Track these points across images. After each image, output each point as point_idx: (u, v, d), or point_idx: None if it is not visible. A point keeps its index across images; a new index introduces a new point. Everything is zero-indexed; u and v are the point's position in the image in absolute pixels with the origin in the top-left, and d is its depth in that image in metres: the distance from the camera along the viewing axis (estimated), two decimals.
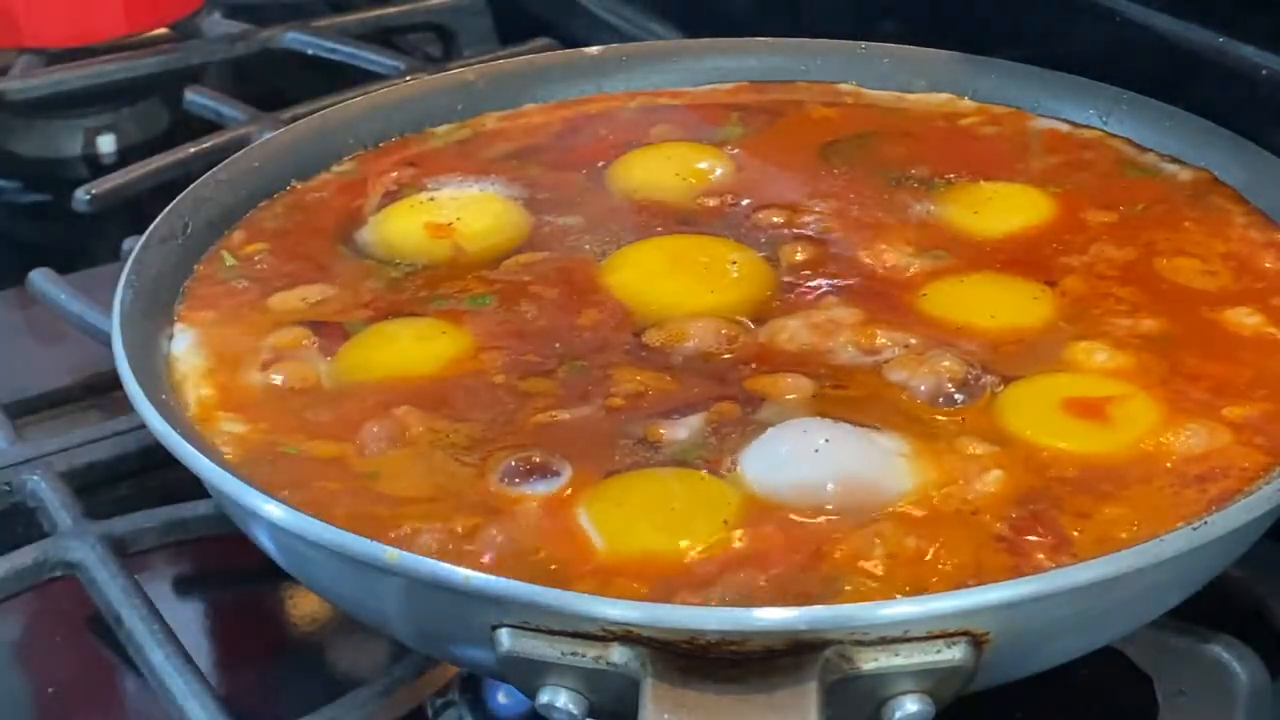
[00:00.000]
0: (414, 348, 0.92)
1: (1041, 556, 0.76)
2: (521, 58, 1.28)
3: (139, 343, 0.89)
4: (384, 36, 1.69)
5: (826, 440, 0.82)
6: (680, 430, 0.84)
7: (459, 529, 0.78)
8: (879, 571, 0.75)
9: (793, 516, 0.78)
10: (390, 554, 0.72)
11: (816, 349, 0.90)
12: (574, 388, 0.87)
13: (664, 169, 1.09)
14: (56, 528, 0.99)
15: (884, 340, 0.90)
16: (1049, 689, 0.81)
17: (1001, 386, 0.86)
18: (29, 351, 1.30)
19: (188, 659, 0.88)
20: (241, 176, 1.07)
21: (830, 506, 0.78)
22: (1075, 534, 0.77)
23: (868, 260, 0.98)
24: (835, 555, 0.76)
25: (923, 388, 0.86)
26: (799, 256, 0.99)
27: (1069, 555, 0.75)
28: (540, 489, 0.80)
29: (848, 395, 0.86)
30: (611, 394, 0.87)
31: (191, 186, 1.04)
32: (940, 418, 0.84)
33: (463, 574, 0.71)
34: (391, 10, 1.72)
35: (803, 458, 0.81)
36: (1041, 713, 0.88)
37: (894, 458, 0.81)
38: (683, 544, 0.76)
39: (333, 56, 1.61)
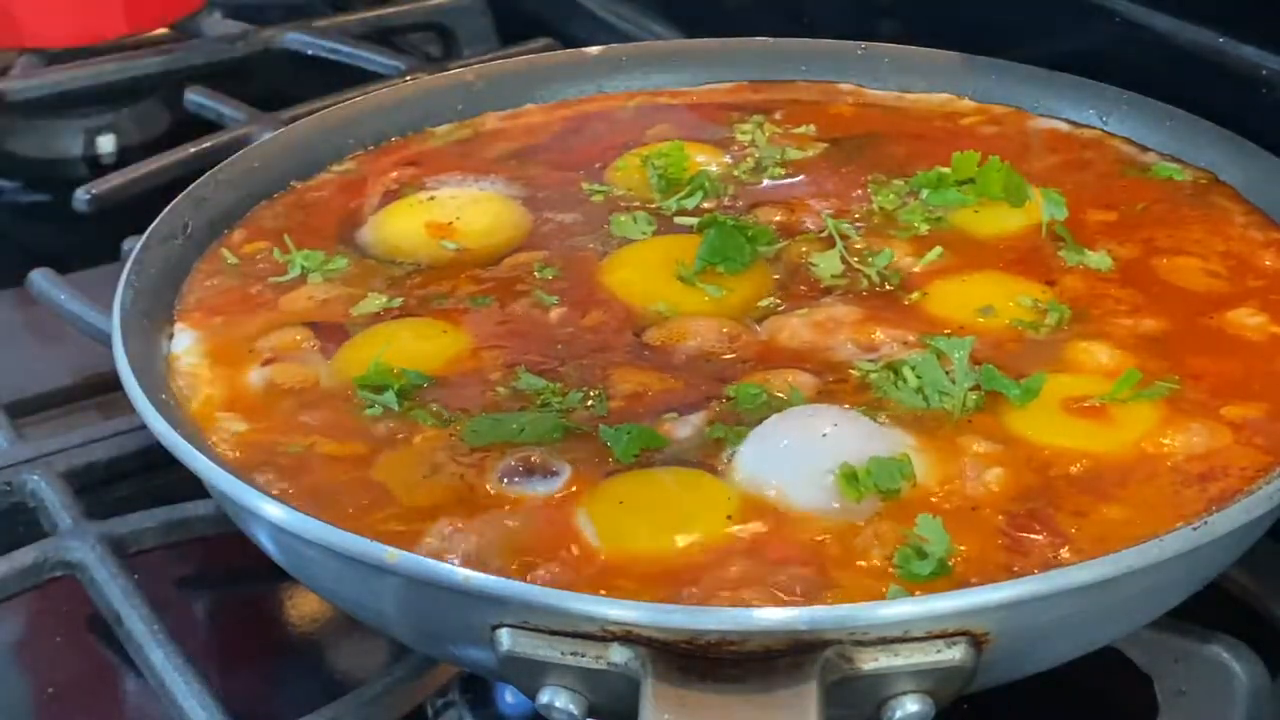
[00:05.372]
0: (414, 347, 0.92)
1: (1039, 554, 0.76)
2: (521, 58, 1.28)
3: (139, 343, 0.89)
4: (384, 36, 1.68)
5: (835, 425, 0.81)
6: (682, 429, 0.84)
7: (459, 528, 0.78)
8: (879, 569, 0.75)
9: (793, 513, 0.78)
10: (390, 554, 0.72)
11: (817, 346, 0.90)
12: (575, 387, 0.88)
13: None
14: (56, 528, 0.99)
15: (882, 337, 0.90)
16: (1049, 689, 0.81)
17: None
18: (29, 351, 1.30)
19: (188, 659, 0.88)
20: (241, 176, 1.07)
21: (834, 497, 0.78)
22: (1072, 531, 0.77)
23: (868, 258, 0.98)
24: (835, 552, 0.76)
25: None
26: (799, 254, 0.99)
27: (1068, 553, 0.75)
28: (540, 489, 0.80)
29: (850, 392, 0.86)
30: (612, 394, 0.87)
31: (191, 186, 1.04)
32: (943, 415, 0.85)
33: (463, 574, 0.71)
34: (391, 10, 1.72)
35: (807, 444, 0.80)
36: (1041, 713, 0.88)
37: (904, 450, 0.81)
38: (682, 544, 0.76)
39: (333, 56, 1.61)
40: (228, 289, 0.98)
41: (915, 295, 0.95)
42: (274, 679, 0.99)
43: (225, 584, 1.05)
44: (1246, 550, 0.81)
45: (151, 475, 1.05)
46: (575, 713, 0.70)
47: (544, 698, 0.70)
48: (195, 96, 1.51)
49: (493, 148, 1.15)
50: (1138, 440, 0.83)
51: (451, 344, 0.92)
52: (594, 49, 1.26)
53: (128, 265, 0.95)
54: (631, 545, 0.77)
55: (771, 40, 1.25)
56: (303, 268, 1.00)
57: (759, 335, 0.92)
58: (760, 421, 0.83)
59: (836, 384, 0.87)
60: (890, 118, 1.18)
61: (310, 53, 1.62)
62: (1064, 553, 0.76)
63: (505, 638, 0.70)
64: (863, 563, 0.75)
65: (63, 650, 0.99)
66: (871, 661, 0.69)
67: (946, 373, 0.86)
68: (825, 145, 1.13)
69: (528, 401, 0.87)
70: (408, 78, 1.44)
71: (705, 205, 1.05)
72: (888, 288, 0.95)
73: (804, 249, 0.99)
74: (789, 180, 1.09)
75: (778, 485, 0.79)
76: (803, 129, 1.15)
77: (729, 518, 0.78)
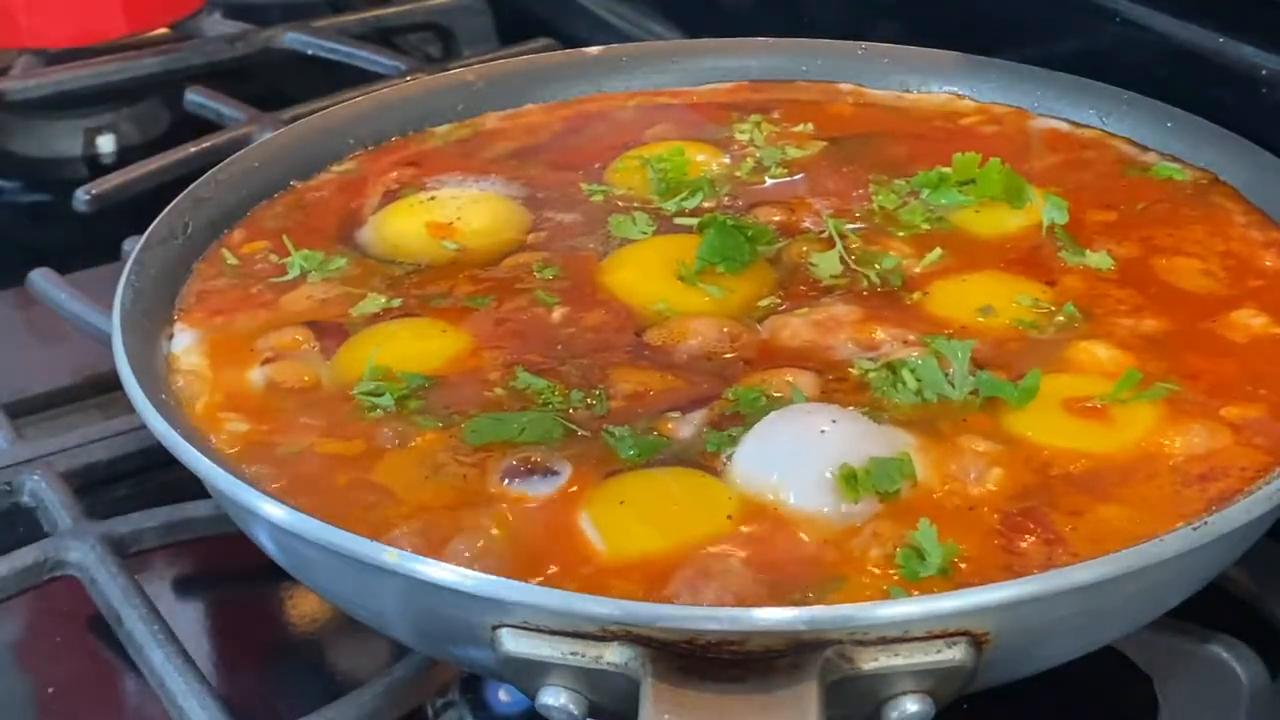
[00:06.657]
0: (414, 347, 0.92)
1: (1036, 554, 0.76)
2: (521, 58, 1.28)
3: (139, 343, 0.89)
4: (384, 36, 1.69)
5: (834, 421, 0.81)
6: (683, 428, 0.84)
7: (459, 528, 0.78)
8: (878, 569, 0.75)
9: (792, 512, 0.78)
10: (390, 554, 0.72)
11: (818, 346, 0.90)
12: (575, 387, 0.88)
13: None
14: (56, 528, 0.99)
15: (883, 336, 0.90)
16: (1049, 689, 0.81)
17: None
18: (29, 351, 1.30)
19: (188, 659, 0.88)
20: (241, 176, 1.07)
21: (832, 496, 0.78)
22: (1068, 531, 0.77)
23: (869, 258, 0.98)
24: (835, 552, 0.76)
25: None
26: (799, 254, 0.99)
27: (1064, 553, 0.75)
28: (540, 489, 0.80)
29: (850, 391, 0.86)
30: (612, 394, 0.87)
31: (191, 186, 1.04)
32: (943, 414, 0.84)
33: (463, 574, 0.71)
34: (391, 10, 1.72)
35: (806, 441, 0.80)
36: (1041, 713, 0.88)
37: (904, 450, 0.81)
38: (682, 544, 0.76)
39: (333, 56, 1.61)
40: (228, 289, 0.98)
41: (916, 295, 0.95)
42: (274, 679, 0.99)
43: (225, 584, 1.05)
44: (1246, 550, 0.81)
45: (151, 475, 1.05)
46: (575, 713, 0.70)
47: (544, 698, 0.70)
48: (195, 96, 1.51)
49: (493, 148, 1.15)
50: (1138, 441, 0.83)
51: (451, 344, 0.92)
52: (594, 49, 1.26)
53: (128, 265, 0.95)
54: (632, 545, 0.77)
55: (771, 40, 1.25)
56: (302, 268, 1.00)
57: (760, 335, 0.92)
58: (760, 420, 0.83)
59: (837, 382, 0.87)
60: (890, 117, 1.18)
61: (310, 53, 1.63)
62: (1058, 553, 0.76)
63: (506, 638, 0.70)
64: (862, 562, 0.75)
65: (63, 650, 0.99)
66: (872, 661, 0.69)
67: (946, 375, 0.86)
68: (824, 144, 1.13)
69: (528, 401, 0.87)
70: (408, 78, 1.44)
71: (705, 205, 1.05)
72: (888, 287, 0.95)
73: (804, 249, 0.99)
74: (789, 180, 1.09)
75: (777, 483, 0.79)
76: (800, 127, 1.15)
77: (729, 517, 0.78)
